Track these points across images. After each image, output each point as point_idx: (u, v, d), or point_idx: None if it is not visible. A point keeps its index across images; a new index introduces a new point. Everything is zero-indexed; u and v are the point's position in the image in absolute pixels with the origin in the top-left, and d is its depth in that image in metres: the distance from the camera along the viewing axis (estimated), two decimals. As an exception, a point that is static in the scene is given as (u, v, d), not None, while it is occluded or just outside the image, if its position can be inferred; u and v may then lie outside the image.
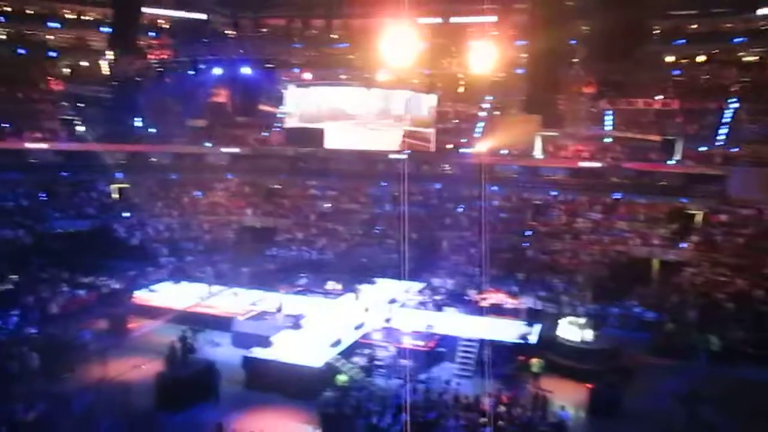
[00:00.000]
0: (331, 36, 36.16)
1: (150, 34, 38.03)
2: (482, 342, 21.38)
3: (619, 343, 22.81)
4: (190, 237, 36.53)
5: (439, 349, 22.12)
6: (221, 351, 21.95)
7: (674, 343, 22.82)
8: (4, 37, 41.16)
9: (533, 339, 22.10)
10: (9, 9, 41.11)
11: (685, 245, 31.72)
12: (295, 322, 22.14)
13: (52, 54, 41.90)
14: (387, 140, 20.68)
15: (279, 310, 23.75)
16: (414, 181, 37.98)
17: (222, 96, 25.24)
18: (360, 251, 34.61)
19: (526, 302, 27.32)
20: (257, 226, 39.58)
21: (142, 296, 27.30)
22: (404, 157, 24.64)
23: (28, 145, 36.68)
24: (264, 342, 20.29)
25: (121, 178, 38.64)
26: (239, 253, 36.48)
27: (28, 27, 41.71)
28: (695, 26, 38.76)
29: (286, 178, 41.79)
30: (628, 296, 27.80)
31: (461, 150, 37.72)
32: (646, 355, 22.63)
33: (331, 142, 20.51)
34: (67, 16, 42.60)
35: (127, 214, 36.68)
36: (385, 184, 37.77)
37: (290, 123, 21.85)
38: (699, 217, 33.29)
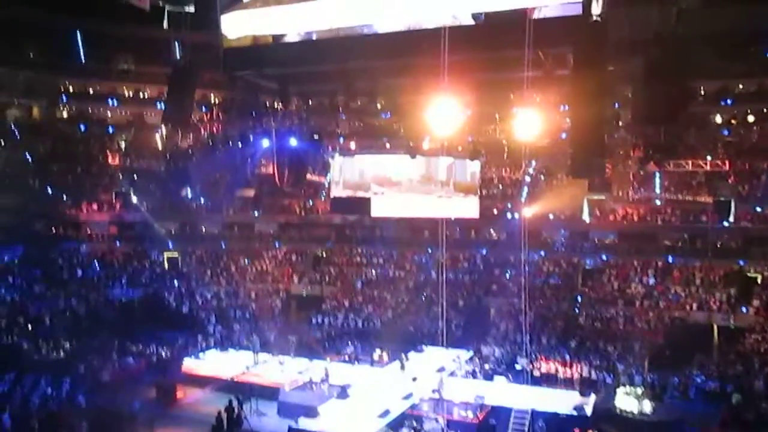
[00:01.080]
0: (375, 106, 37.08)
1: (202, 109, 39.72)
2: (535, 413, 20.69)
3: (680, 415, 21.73)
4: (238, 305, 36.90)
5: (490, 421, 21.45)
6: (267, 421, 21.77)
7: (741, 414, 21.61)
8: (66, 115, 43.46)
9: (588, 410, 21.25)
10: (72, 89, 43.58)
11: (746, 310, 30.48)
12: (342, 392, 21.86)
13: (110, 130, 43.94)
14: (432, 207, 20.77)
15: (325, 379, 23.53)
16: (459, 247, 37.92)
17: (269, 167, 25.95)
18: (407, 319, 34.37)
19: (580, 371, 26.52)
20: (304, 294, 39.78)
21: (190, 364, 27.47)
22: (446, 223, 24.68)
23: (85, 217, 38.20)
24: (310, 412, 20.03)
25: (172, 248, 39.67)
26: (286, 321, 36.66)
27: (89, 105, 44.01)
28: (741, 86, 38.37)
29: (333, 246, 42.18)
30: (688, 364, 26.68)
31: (507, 215, 37.59)
32: (710, 428, 21.45)
33: (377, 210, 20.72)
34: (126, 93, 44.86)
35: (177, 283, 37.41)
36: (431, 250, 37.75)
37: (336, 192, 22.25)
38: (759, 279, 32.07)
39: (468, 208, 21.82)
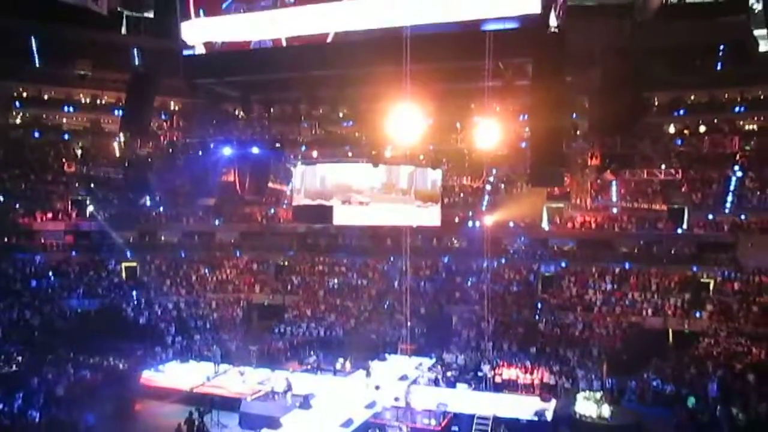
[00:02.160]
0: (338, 114, 37.04)
1: (162, 116, 39.15)
2: (496, 419, 20.85)
3: (638, 419, 22.16)
4: (198, 315, 36.35)
5: (452, 428, 21.54)
6: (229, 433, 21.43)
7: (696, 417, 22.13)
8: (20, 121, 42.39)
9: (549, 415, 21.52)
10: (26, 94, 42.53)
11: (699, 315, 31.27)
12: (305, 402, 21.68)
13: (66, 137, 42.99)
14: (393, 215, 20.83)
15: (288, 389, 23.31)
16: (422, 255, 38.06)
17: (231, 175, 25.68)
18: (370, 327, 34.30)
19: (540, 377, 26.81)
20: (265, 303, 39.42)
21: (149, 376, 26.91)
22: (409, 231, 24.76)
23: (39, 226, 37.21)
24: (273, 423, 19.80)
25: (130, 257, 38.90)
26: (247, 330, 36.23)
27: (44, 111, 43.01)
28: (693, 97, 39.59)
29: (295, 254, 41.93)
30: (645, 369, 27.21)
31: (468, 223, 37.90)
32: (667, 431, 21.90)
33: (339, 218, 20.69)
34: (82, 100, 43.95)
35: (135, 293, 36.68)
36: (394, 259, 37.81)
37: (298, 200, 22.15)
38: (711, 285, 32.97)
39: (430, 216, 21.93)
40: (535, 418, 21.15)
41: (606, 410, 21.67)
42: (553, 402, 22.81)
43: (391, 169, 20.64)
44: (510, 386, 26.88)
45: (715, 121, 38.75)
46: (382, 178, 20.40)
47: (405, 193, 20.66)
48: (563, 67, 14.46)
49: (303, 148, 29.66)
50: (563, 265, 36.57)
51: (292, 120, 34.48)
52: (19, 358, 26.88)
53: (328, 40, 17.03)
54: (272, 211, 42.93)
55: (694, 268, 33.73)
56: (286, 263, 41.89)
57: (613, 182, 36.51)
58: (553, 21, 14.29)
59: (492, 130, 18.10)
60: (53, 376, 25.61)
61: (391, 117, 14.07)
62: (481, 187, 38.62)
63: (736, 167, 35.71)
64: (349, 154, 33.09)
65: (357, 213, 20.49)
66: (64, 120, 43.56)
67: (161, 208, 41.57)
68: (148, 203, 40.49)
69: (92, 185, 40.40)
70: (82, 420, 21.31)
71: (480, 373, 27.11)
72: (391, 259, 38.25)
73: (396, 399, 22.01)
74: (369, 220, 21.44)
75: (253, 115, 26.28)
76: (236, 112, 29.60)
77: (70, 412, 21.90)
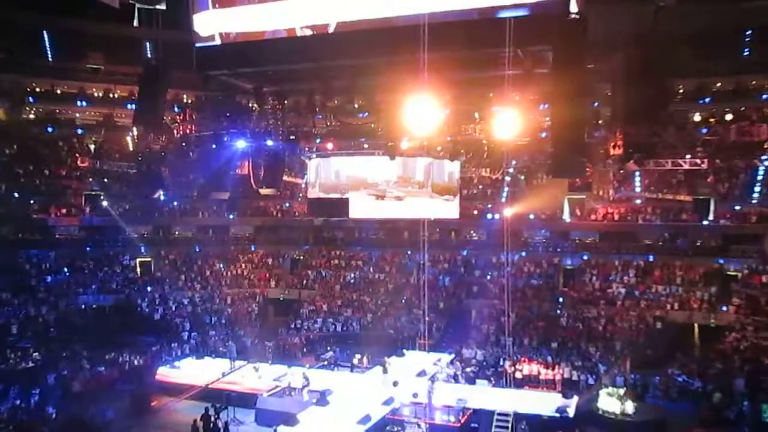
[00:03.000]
0: (353, 105, 36.98)
1: (174, 109, 39.38)
2: (517, 416, 20.79)
3: (662, 415, 21.98)
4: (213, 310, 36.63)
5: (472, 424, 21.53)
6: (245, 429, 21.61)
7: (722, 413, 21.92)
8: (33, 116, 42.80)
9: (571, 412, 21.42)
10: (39, 89, 42.92)
11: (725, 308, 30.93)
12: (322, 398, 21.77)
13: (80, 131, 43.36)
14: (411, 208, 20.80)
15: (305, 385, 23.41)
16: (440, 248, 38.04)
17: (245, 168, 25.76)
18: (387, 322, 34.36)
19: (562, 372, 26.71)
20: (281, 298, 39.62)
21: (164, 372, 27.17)
22: (426, 224, 24.70)
23: (53, 221, 37.62)
24: (289, 419, 19.91)
25: (144, 253, 39.25)
26: (263, 326, 36.46)
27: (57, 105, 43.38)
28: (719, 84, 38.98)
29: (310, 248, 42.07)
30: (669, 364, 27.00)
31: (487, 216, 37.76)
32: (692, 427, 21.72)
33: (355, 211, 20.70)
34: (95, 94, 44.28)
35: (150, 289, 37.01)
36: (411, 252, 37.80)
37: (313, 193, 22.20)
38: (738, 278, 32.57)
39: (448, 209, 21.86)
40: (557, 415, 21.07)
41: (629, 406, 21.52)
42: (575, 398, 22.71)
43: (407, 161, 20.59)
44: (531, 382, 26.82)
45: (742, 108, 38.08)
46: (398, 170, 20.37)
47: (422, 186, 20.61)
48: (584, 55, 14.29)
49: (318, 140, 29.59)
50: (585, 257, 36.35)
51: (306, 112, 34.43)
52: (35, 354, 27.29)
53: (330, 30, 16.98)
54: (287, 204, 43.08)
55: (720, 261, 33.36)
56: (302, 257, 42.10)
57: (637, 172, 36.15)
58: (573, 7, 14.11)
59: (511, 120, 18.00)
60: (69, 372, 26.00)
61: (408, 107, 14.00)
62: (501, 179, 38.33)
63: (764, 156, 35.15)
64: (365, 146, 33.06)
65: (372, 206, 20.48)
66: (77, 114, 43.97)
67: (175, 203, 41.86)
68: (162, 198, 40.71)
69: (106, 180, 40.76)
70: (100, 415, 21.60)
71: (500, 369, 27.08)
72: (409, 252, 38.27)
73: (414, 395, 22.03)
74: (385, 213, 21.42)
75: (267, 107, 26.30)
76: (250, 105, 29.65)
77: (86, 408, 22.20)
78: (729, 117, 38.08)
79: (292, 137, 25.00)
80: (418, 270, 36.27)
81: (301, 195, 39.94)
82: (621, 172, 35.86)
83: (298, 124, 31.90)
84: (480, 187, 39.74)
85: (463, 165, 30.64)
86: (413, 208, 20.89)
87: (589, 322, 32.10)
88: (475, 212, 38.15)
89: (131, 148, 41.72)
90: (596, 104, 26.44)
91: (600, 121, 27.39)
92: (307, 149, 26.83)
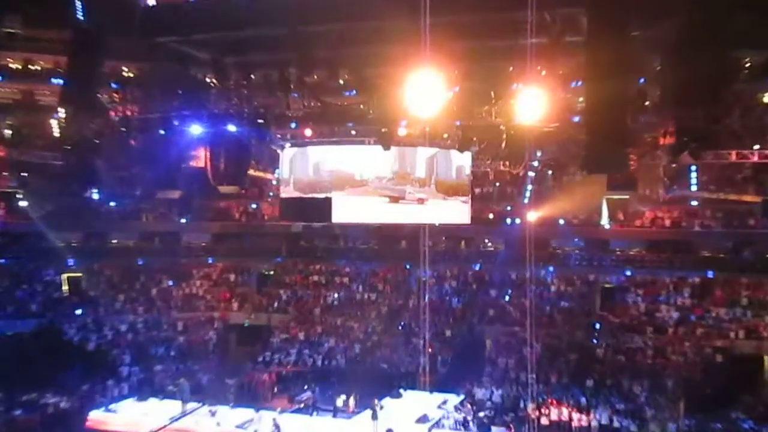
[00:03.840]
0: (337, 82, 36.96)
1: (112, 85, 39.27)
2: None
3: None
4: (161, 339, 36.50)
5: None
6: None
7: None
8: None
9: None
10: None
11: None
12: (297, 450, 21.74)
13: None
14: (409, 211, 20.82)
15: (275, 433, 23.37)
16: (446, 261, 38.06)
17: (201, 160, 25.72)
18: (379, 355, 34.31)
19: (599, 418, 26.74)
20: (246, 324, 39.53)
21: (98, 418, 27.03)
22: (429, 231, 24.76)
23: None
24: (256, 477, 19.88)
25: (73, 266, 39.07)
26: (223, 359, 36.34)
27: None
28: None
29: (283, 261, 42.00)
30: (733, 407, 27.07)
31: (506, 220, 37.82)
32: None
33: (339, 215, 20.69)
34: (11, 66, 44.07)
35: (81, 312, 36.86)
36: (410, 266, 37.77)
37: (287, 192, 22.18)
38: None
39: (456, 212, 21.89)
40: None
41: (684, 460, 21.60)
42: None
43: (405, 153, 20.66)
44: (560, 430, 26.83)
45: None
46: (393, 164, 20.42)
47: (423, 184, 20.67)
48: (627, 19, 14.38)
49: (293, 125, 29.57)
50: (628, 273, 36.45)
51: (278, 89, 34.47)
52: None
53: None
54: (254, 206, 43.02)
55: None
56: (273, 273, 42.02)
57: (693, 167, 36.21)
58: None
59: (536, 101, 18.05)
60: (-23, 417, 25.83)
61: (406, 85, 14.02)
62: (523, 174, 38.38)
63: None
64: (353, 132, 33.10)
65: (362, 208, 20.52)
66: (-11, 91, 43.79)
67: (112, 204, 41.69)
68: (96, 197, 40.60)
69: (24, 174, 40.54)
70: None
71: (521, 413, 27.08)
72: (407, 266, 38.25)
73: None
74: (377, 216, 21.44)
75: (229, 84, 26.34)
76: (207, 80, 29.64)
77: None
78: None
79: (260, 121, 25.03)
80: (418, 289, 36.25)
81: (271, 194, 39.88)
82: (673, 166, 35.92)
83: (267, 105, 31.88)
84: (497, 184, 39.81)
85: (475, 157, 30.75)
86: (413, 212, 20.92)
87: (632, 354, 32.14)
88: (491, 216, 38.21)
89: (57, 135, 41.66)
90: (642, 81, 26.52)
91: (647, 103, 27.50)
92: (279, 136, 26.87)
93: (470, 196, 23.08)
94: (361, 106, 35.26)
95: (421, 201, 20.58)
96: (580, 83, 23.07)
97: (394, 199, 20.29)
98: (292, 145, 22.39)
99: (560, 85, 21.25)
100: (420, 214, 21.08)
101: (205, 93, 28.08)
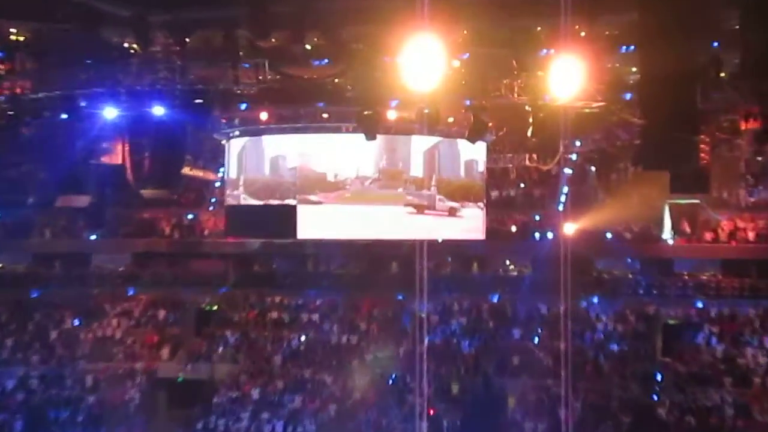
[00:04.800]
0: (303, 47, 36.98)
1: (-5, 53, 39.25)
2: None
3: None
4: (64, 400, 36.32)
5: None
6: None
7: None
8: None
9: None
10: None
11: None
12: None
13: None
14: (399, 223, 20.81)
15: None
16: (453, 290, 37.99)
17: (118, 154, 25.54)
18: (363, 419, 34.26)
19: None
20: (181, 378, 39.38)
21: None
22: (428, 249, 24.73)
23: None
24: None
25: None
26: (149, 424, 36.17)
27: None
28: None
29: (231, 292, 41.86)
30: None
31: (534, 235, 37.86)
32: None
33: (306, 228, 20.64)
34: None
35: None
36: (403, 297, 37.70)
37: (235, 197, 22.07)
38: None
39: (465, 223, 21.90)
40: None
41: None
42: None
43: (396, 143, 20.66)
44: None
45: None
46: (380, 158, 20.42)
47: (421, 185, 20.65)
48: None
49: (243, 106, 29.55)
50: (699, 305, 36.51)
51: (222, 57, 34.53)
52: None
53: None
54: (190, 216, 42.90)
55: None
56: (216, 308, 41.86)
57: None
58: None
59: (573, 72, 18.07)
60: None
61: (397, 51, 14.03)
62: (556, 172, 38.51)
63: None
64: (324, 116, 33.12)
65: (336, 219, 20.51)
66: None
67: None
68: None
69: None
70: None
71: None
72: (400, 297, 38.18)
73: None
74: (356, 230, 21.43)
75: (156, 50, 26.30)
76: (126, 46, 29.64)
77: None
78: None
79: (198, 101, 25.00)
80: (415, 328, 36.24)
81: (214, 201, 39.82)
82: (758, 159, 36.20)
83: (208, 79, 31.90)
84: (521, 185, 39.88)
85: (491, 149, 30.81)
86: (404, 224, 20.92)
87: (706, 414, 32.20)
88: (513, 229, 38.24)
89: None
90: (715, 45, 26.69)
91: (723, 74, 27.71)
92: (224, 122, 26.87)
93: (485, 201, 23.02)
94: (336, 80, 35.43)
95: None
96: (632, 48, 23.15)
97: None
98: (242, 134, 22.29)
99: (605, 52, 21.33)
100: (412, 225, 21.07)
101: (123, 63, 28.01)
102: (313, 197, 20.26)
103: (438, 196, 20.89)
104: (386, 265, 38.74)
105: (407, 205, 20.42)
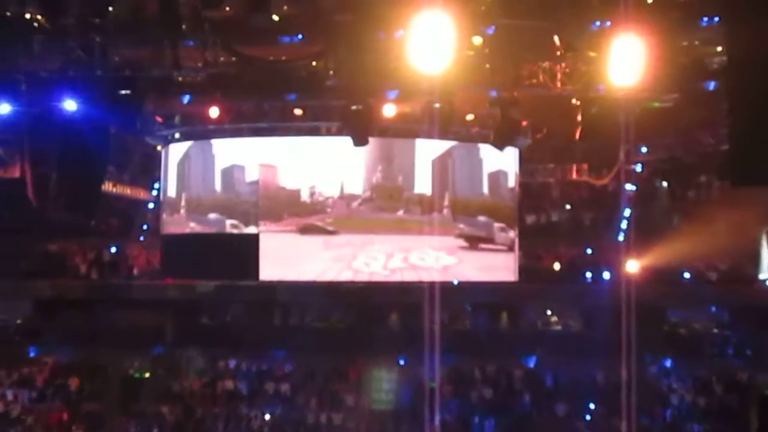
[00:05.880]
0: (269, 18, 37.18)
1: None
2: None
3: None
4: None
5: None
6: None
7: None
8: None
9: None
10: None
11: None
12: None
13: None
14: (397, 258, 20.91)
15: None
16: (474, 351, 38.06)
17: (15, 166, 25.53)
18: None
19: None
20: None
21: None
22: (439, 293, 24.79)
23: None
24: None
25: None
26: None
27: None
28: None
29: (168, 353, 41.94)
30: None
31: (584, 273, 38.00)
32: None
33: (271, 266, 20.72)
34: None
35: None
36: (406, 361, 37.78)
37: (174, 224, 22.12)
38: None
39: (491, 258, 22.04)
40: None
41: None
42: None
43: (394, 149, 20.80)
44: None
45: None
46: (372, 170, 20.55)
47: (429, 206, 20.76)
48: None
49: (185, 98, 29.69)
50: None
51: (157, 32, 34.80)
52: None
53: None
54: (113, 250, 43.02)
55: None
56: (149, 375, 41.92)
57: None
58: None
59: (637, 54, 18.19)
60: None
61: (397, 23, 14.13)
62: (614, 188, 38.76)
63: None
64: (297, 112, 33.28)
65: (311, 253, 20.63)
66: None
67: None
68: None
69: None
70: None
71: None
72: (402, 362, 38.26)
73: None
74: (339, 269, 21.56)
75: (68, 23, 26.46)
76: (29, 17, 29.82)
77: None
78: None
79: (124, 92, 25.14)
80: (422, 402, 36.38)
81: (146, 228, 39.91)
82: None
83: (138, 62, 32.08)
84: (566, 207, 40.04)
85: (526, 157, 30.97)
86: (402, 258, 21.05)
87: None
88: (557, 266, 38.32)
89: None
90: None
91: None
92: (160, 120, 26.98)
93: (517, 229, 23.07)
94: (314, 64, 35.62)
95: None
96: (716, 20, 23.27)
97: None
98: (185, 137, 22.36)
99: (680, 26, 21.49)
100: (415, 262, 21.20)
101: (23, 41, 28.15)
102: (281, 224, 20.35)
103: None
104: (383, 316, 38.81)
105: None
